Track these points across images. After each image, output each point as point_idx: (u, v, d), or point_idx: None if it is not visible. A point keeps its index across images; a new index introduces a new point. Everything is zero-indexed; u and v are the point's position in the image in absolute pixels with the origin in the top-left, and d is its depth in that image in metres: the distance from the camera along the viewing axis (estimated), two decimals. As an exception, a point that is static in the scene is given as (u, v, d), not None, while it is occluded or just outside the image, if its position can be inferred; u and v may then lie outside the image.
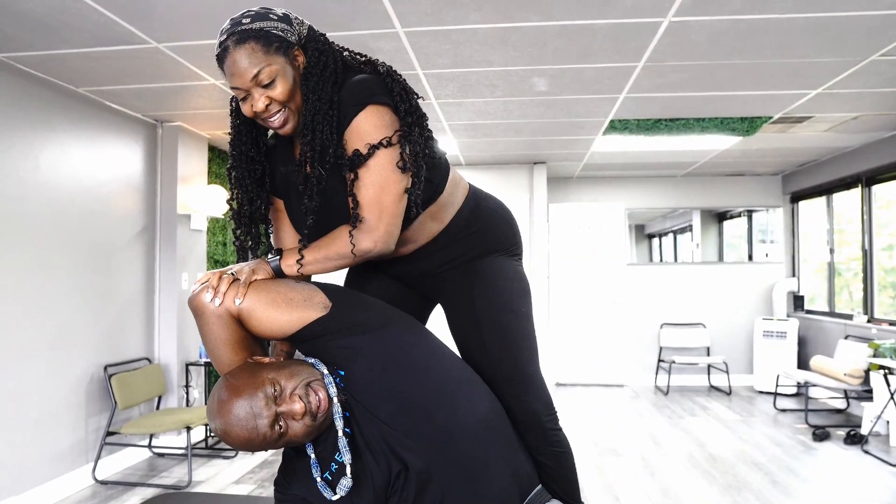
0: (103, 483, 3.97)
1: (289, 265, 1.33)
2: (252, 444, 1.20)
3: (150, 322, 4.75)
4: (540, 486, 1.40)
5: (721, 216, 7.80)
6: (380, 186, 1.29)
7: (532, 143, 5.59)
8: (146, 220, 4.71)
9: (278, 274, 1.33)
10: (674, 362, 6.79)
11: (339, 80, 1.33)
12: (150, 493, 3.81)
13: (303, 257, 1.31)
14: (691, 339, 7.15)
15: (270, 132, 1.47)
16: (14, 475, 3.44)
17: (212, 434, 4.99)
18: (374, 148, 1.28)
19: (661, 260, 8.53)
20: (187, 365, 4.86)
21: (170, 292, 4.81)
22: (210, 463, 4.40)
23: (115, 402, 4.04)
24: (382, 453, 1.25)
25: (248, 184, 1.45)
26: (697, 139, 5.28)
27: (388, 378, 1.27)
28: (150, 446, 4.57)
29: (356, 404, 1.27)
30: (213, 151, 5.57)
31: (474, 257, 1.51)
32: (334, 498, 1.25)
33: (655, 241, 8.78)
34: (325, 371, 1.28)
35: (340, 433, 1.24)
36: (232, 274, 1.28)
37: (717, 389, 6.94)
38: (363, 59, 1.42)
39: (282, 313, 1.27)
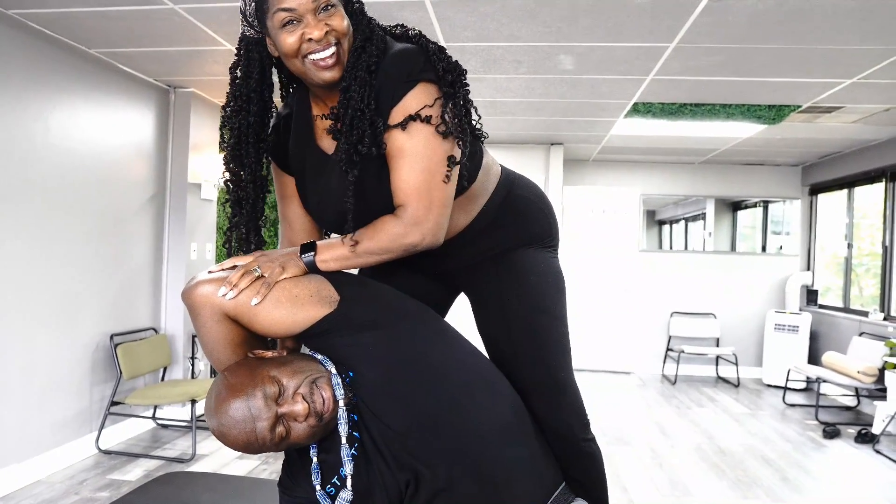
0: (106, 452, 3.93)
1: (325, 262, 1.19)
2: (251, 448, 1.10)
3: (158, 292, 4.69)
4: (564, 484, 1.31)
5: (736, 205, 7.69)
6: (429, 172, 1.16)
7: (551, 124, 5.47)
8: (156, 187, 4.62)
9: (312, 271, 1.19)
10: (683, 352, 6.72)
11: (382, 45, 1.20)
12: (153, 464, 3.78)
13: (353, 253, 1.18)
14: (701, 329, 7.08)
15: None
16: (18, 442, 3.39)
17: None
18: (423, 123, 1.15)
19: (672, 247, 8.44)
20: (193, 336, 4.80)
21: (178, 262, 4.74)
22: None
23: (121, 372, 3.99)
24: (394, 460, 1.14)
25: (251, 155, 1.29)
26: (721, 126, 5.16)
27: (400, 381, 1.15)
28: (154, 417, 4.53)
29: (365, 407, 1.15)
30: (225, 120, 5.46)
31: (505, 250, 1.38)
32: None
33: (666, 227, 8.69)
34: (333, 370, 1.16)
35: (344, 440, 1.13)
36: (257, 271, 1.14)
37: (725, 381, 6.89)
38: (399, 29, 1.29)
39: (286, 313, 1.14)
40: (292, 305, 1.14)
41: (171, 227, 4.74)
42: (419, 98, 1.15)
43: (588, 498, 1.38)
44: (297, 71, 1.20)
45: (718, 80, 3.96)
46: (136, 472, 3.63)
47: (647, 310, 7.22)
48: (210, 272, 1.18)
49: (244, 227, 1.33)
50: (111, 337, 4.08)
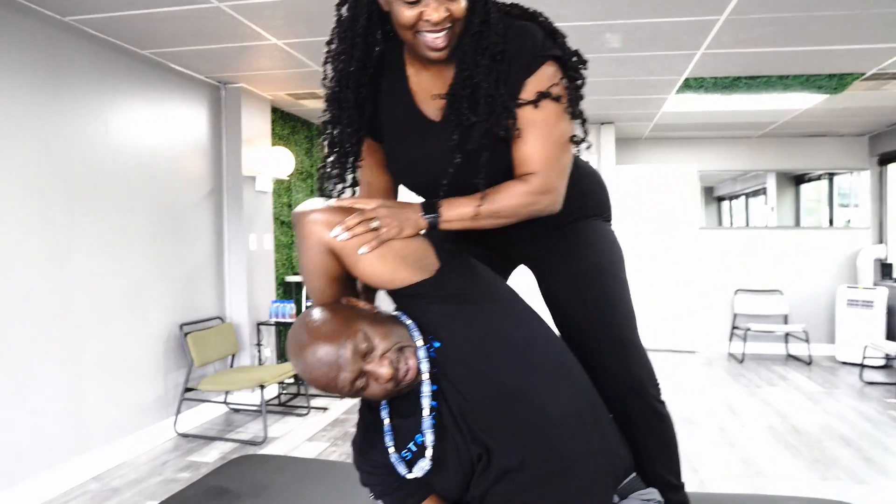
0: (184, 436, 4.16)
1: (448, 222, 1.22)
2: (327, 389, 1.15)
3: (221, 282, 4.89)
4: (635, 474, 1.31)
5: (798, 179, 7.41)
6: (558, 144, 1.23)
7: (600, 103, 5.40)
8: (213, 182, 4.81)
9: (430, 230, 1.22)
10: (749, 329, 6.56)
11: (503, 30, 1.21)
12: (227, 446, 3.98)
13: (478, 214, 1.20)
14: (768, 307, 6.89)
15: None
16: (104, 426, 3.63)
17: (284, 391, 5.15)
18: (553, 100, 1.20)
19: (732, 224, 8.21)
20: (258, 324, 5.00)
21: (238, 253, 4.93)
22: (283, 420, 4.55)
23: (192, 360, 4.20)
24: (469, 431, 1.18)
25: (350, 108, 1.28)
26: (778, 98, 4.99)
27: (483, 356, 1.17)
28: (226, 402, 4.75)
29: (446, 380, 1.18)
30: (276, 113, 5.61)
31: (572, 220, 1.41)
32: (409, 476, 1.20)
33: (725, 203, 8.45)
34: (420, 341, 1.19)
35: (426, 412, 1.17)
36: (375, 223, 1.16)
37: (796, 359, 6.69)
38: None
39: (388, 269, 1.17)
40: (396, 264, 1.17)
41: (229, 220, 4.93)
42: (549, 75, 1.21)
43: (662, 466, 1.42)
44: (404, 38, 1.21)
45: (773, 52, 3.84)
46: (212, 454, 3.83)
47: (710, 288, 7.07)
48: (328, 203, 1.20)
49: (338, 169, 1.32)
50: (181, 326, 4.30)
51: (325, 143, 1.34)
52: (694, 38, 3.63)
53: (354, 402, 4.89)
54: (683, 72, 4.32)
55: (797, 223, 7.37)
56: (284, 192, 5.77)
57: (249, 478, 2.02)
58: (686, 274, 7.04)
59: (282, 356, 5.46)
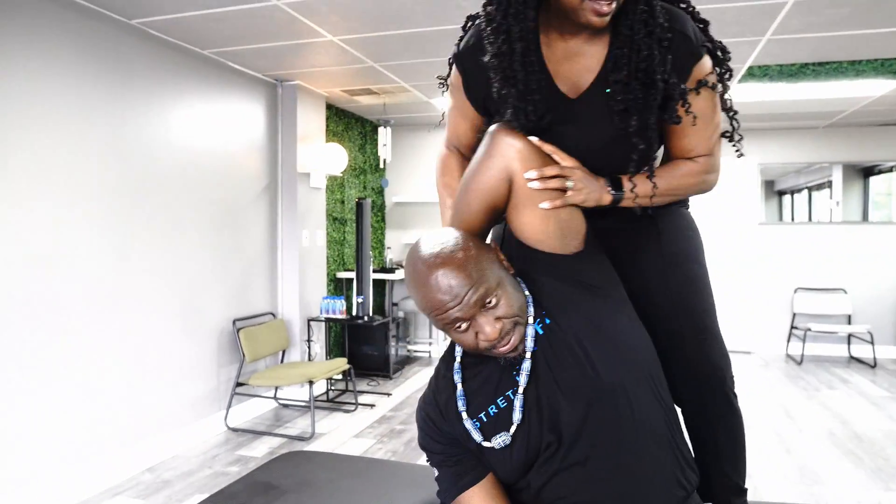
0: (234, 430, 4.20)
1: (630, 198, 1.25)
2: (424, 312, 1.12)
3: (274, 278, 4.93)
4: (695, 493, 1.26)
5: (867, 171, 7.05)
6: (718, 129, 1.29)
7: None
8: (268, 178, 4.84)
9: (612, 205, 1.25)
10: (809, 330, 6.28)
11: (667, 15, 1.18)
12: (276, 441, 3.99)
13: (655, 192, 1.25)
14: (830, 306, 6.58)
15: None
16: (158, 419, 3.69)
17: (332, 388, 5.17)
18: (710, 88, 1.23)
19: (793, 218, 7.88)
20: (309, 321, 5.02)
21: (291, 249, 4.95)
22: (331, 416, 4.55)
23: (243, 355, 4.23)
24: (548, 418, 1.14)
25: (514, 30, 1.19)
26: (848, 85, 4.74)
27: (593, 349, 1.15)
28: (275, 397, 4.79)
29: (544, 361, 1.16)
30: (331, 110, 5.63)
31: (662, 207, 1.39)
32: (484, 444, 1.18)
33: (787, 198, 8.11)
34: (531, 317, 1.16)
35: (521, 391, 1.14)
36: (569, 184, 1.17)
37: (859, 361, 6.38)
38: None
39: (546, 231, 1.18)
40: (555, 229, 1.18)
41: (283, 216, 4.96)
42: (707, 65, 1.23)
43: (728, 465, 1.42)
44: (568, 2, 1.14)
45: (845, 35, 3.62)
46: (261, 449, 3.85)
47: (768, 286, 6.80)
48: (532, 140, 1.19)
49: (515, 102, 1.23)
50: (234, 322, 4.34)
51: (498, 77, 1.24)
52: (759, 24, 3.45)
53: (401, 400, 4.86)
54: (747, 59, 4.12)
55: (864, 218, 7.01)
56: (338, 189, 5.79)
57: (294, 474, 2.03)
58: (744, 271, 6.79)
59: (331, 352, 5.48)
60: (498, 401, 1.18)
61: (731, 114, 1.29)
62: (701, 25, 1.25)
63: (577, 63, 1.24)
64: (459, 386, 1.21)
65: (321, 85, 5.01)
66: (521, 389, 1.14)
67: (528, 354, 1.14)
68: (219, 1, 3.19)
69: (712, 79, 1.23)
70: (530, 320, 1.16)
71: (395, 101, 5.55)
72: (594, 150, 1.25)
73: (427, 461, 1.31)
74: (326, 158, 5.15)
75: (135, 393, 3.53)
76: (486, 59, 1.22)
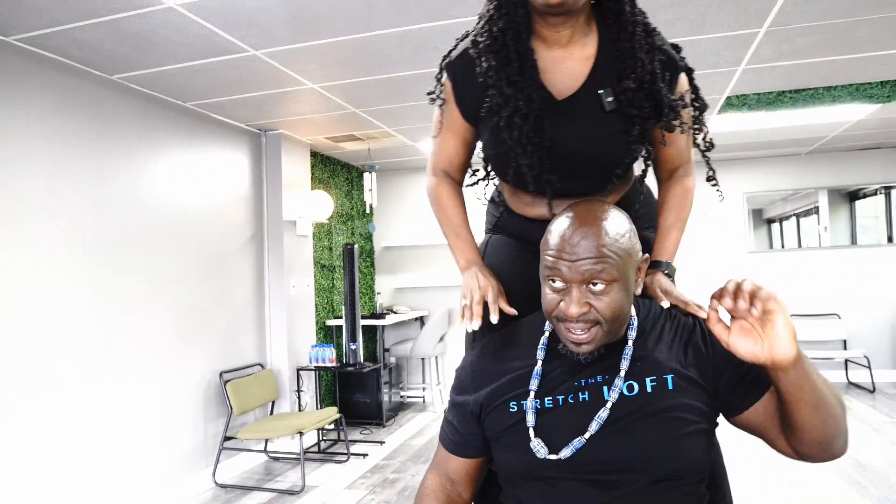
0: (223, 486, 4.06)
1: (673, 257, 1.39)
2: (545, 243, 1.09)
3: (262, 328, 4.85)
4: None
5: (852, 195, 7.08)
6: (691, 143, 1.38)
7: (639, 128, 5.26)
8: (254, 227, 4.80)
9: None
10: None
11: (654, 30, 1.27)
12: (265, 496, 3.86)
13: (681, 232, 1.40)
14: (824, 332, 6.52)
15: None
16: (142, 477, 3.57)
17: (324, 438, 5.04)
18: (689, 105, 1.31)
19: (783, 246, 7.88)
20: (298, 370, 4.92)
21: (279, 298, 4.89)
22: (322, 467, 4.42)
23: (231, 408, 4.13)
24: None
25: (504, 86, 1.22)
26: (826, 111, 4.78)
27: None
28: (265, 450, 4.65)
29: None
30: (316, 157, 5.64)
31: (644, 228, 1.44)
32: (550, 457, 1.07)
33: (776, 226, 8.12)
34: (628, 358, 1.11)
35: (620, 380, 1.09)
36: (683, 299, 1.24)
37: (858, 386, 6.29)
38: None
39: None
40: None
41: (270, 265, 4.91)
42: (686, 81, 1.31)
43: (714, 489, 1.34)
44: None
45: (819, 62, 3.67)
46: (250, 506, 3.72)
47: (762, 314, 6.73)
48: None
49: (509, 103, 1.23)
50: (220, 374, 4.24)
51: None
52: (734, 54, 3.48)
53: (395, 448, 4.74)
54: (724, 90, 4.16)
55: (853, 242, 7.01)
56: (325, 236, 5.75)
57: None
58: (738, 300, 6.74)
59: (322, 401, 5.36)
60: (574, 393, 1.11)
61: (703, 132, 1.37)
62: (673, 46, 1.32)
63: (566, 64, 1.26)
64: (539, 364, 1.15)
65: (305, 133, 5.02)
66: (618, 384, 1.09)
67: (628, 354, 1.11)
68: (198, 53, 3.21)
69: (689, 97, 1.31)
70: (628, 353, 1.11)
71: (380, 146, 5.56)
72: (585, 151, 1.27)
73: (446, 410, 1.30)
74: (312, 206, 5.13)
75: (117, 452, 3.42)
76: (478, 55, 1.24)
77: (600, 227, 1.05)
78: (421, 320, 6.61)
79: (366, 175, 5.60)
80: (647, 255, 1.18)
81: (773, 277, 6.77)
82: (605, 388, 1.09)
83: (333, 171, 5.99)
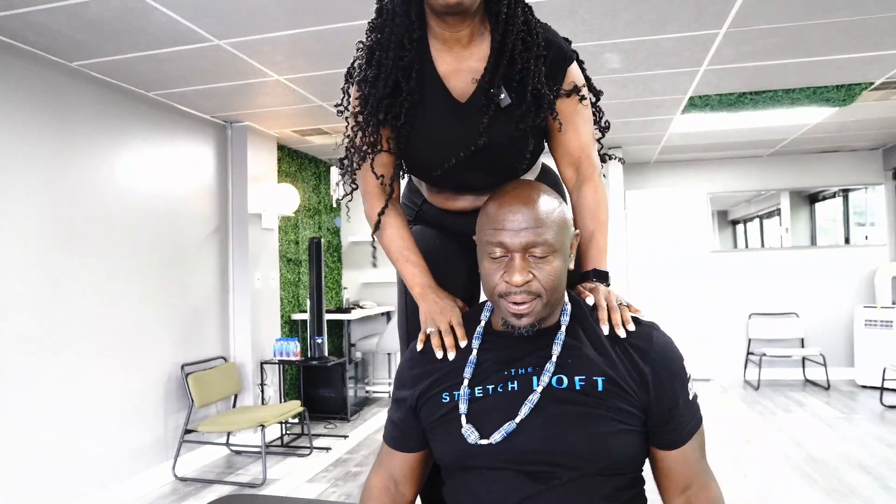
0: (182, 479, 4.02)
1: (604, 265, 1.32)
2: (483, 221, 1.12)
3: (225, 321, 4.80)
4: None
5: (813, 198, 7.26)
6: (591, 132, 1.36)
7: (605, 127, 5.32)
8: (219, 220, 4.75)
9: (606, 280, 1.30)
10: (764, 355, 6.35)
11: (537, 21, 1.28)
12: (226, 489, 3.83)
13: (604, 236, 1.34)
14: (783, 330, 6.68)
15: None
16: (98, 471, 3.51)
17: (287, 432, 5.01)
18: (585, 94, 1.32)
19: (747, 246, 8.04)
20: (262, 363, 4.88)
21: (243, 291, 4.85)
22: (285, 461, 4.40)
23: (192, 401, 4.09)
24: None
25: (384, 93, 1.24)
26: (786, 113, 4.89)
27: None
28: (227, 444, 4.61)
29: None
30: (283, 150, 5.60)
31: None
32: (480, 442, 1.07)
33: (740, 227, 8.28)
34: (556, 354, 1.11)
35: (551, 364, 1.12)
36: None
37: (814, 384, 6.46)
38: None
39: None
40: None
41: (234, 258, 4.86)
42: (579, 72, 1.33)
43: None
44: None
45: (778, 64, 3.75)
46: (209, 498, 3.68)
47: (724, 313, 6.89)
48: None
49: (408, 108, 1.28)
50: (182, 367, 4.19)
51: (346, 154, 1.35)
52: (695, 55, 3.55)
53: (358, 442, 4.73)
54: (687, 90, 4.24)
55: (813, 242, 7.19)
56: (291, 229, 5.71)
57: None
58: (699, 299, 6.88)
59: (286, 395, 5.33)
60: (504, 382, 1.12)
61: (603, 124, 1.43)
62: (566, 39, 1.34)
63: (463, 66, 1.27)
64: (475, 353, 1.17)
65: (271, 125, 4.98)
66: (552, 360, 1.10)
67: (554, 353, 1.11)
68: (161, 41, 3.16)
69: (584, 85, 1.33)
70: (556, 352, 1.11)
71: (348, 140, 5.53)
72: (492, 149, 1.28)
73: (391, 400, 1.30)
74: (278, 199, 5.10)
75: (73, 445, 3.36)
76: (374, 71, 1.24)
77: (537, 200, 1.09)
78: (387, 315, 6.61)
79: (333, 169, 5.57)
80: (577, 230, 1.23)
81: (735, 276, 6.92)
82: (535, 378, 1.09)
83: (301, 164, 5.95)
